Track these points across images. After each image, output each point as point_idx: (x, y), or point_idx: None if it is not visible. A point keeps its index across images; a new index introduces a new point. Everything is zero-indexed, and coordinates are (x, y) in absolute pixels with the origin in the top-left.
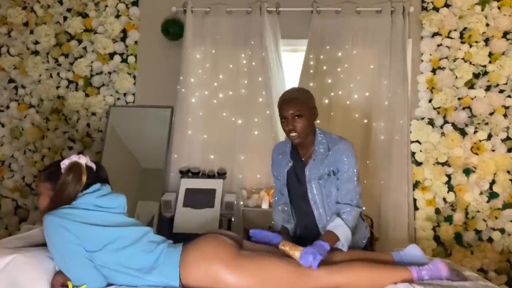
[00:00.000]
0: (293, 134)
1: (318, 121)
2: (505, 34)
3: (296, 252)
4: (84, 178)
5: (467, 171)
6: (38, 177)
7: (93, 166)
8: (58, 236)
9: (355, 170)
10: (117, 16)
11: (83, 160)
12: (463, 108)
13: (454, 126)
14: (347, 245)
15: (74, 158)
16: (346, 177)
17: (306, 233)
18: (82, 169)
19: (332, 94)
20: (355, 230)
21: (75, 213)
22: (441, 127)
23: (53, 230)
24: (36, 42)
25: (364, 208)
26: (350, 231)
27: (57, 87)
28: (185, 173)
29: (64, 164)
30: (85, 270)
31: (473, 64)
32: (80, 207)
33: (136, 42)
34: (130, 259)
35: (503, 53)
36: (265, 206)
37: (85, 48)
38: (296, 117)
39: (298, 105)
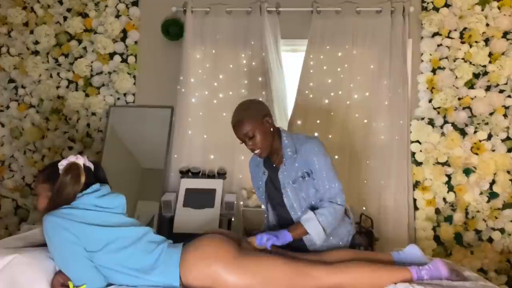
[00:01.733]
0: (256, 151)
1: (318, 121)
2: (505, 34)
3: (253, 238)
4: (83, 179)
5: (467, 171)
6: (36, 179)
7: (91, 166)
8: (58, 237)
9: (328, 167)
10: (117, 16)
11: (81, 160)
12: (463, 108)
13: (454, 126)
14: (320, 240)
15: (72, 158)
16: (321, 176)
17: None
18: (80, 170)
19: (332, 94)
20: (336, 227)
21: (75, 213)
22: (441, 127)
23: (53, 231)
24: (36, 42)
25: (364, 208)
26: (321, 226)
27: (57, 87)
28: (185, 173)
29: (62, 165)
30: (86, 270)
31: (473, 64)
32: (80, 207)
33: (136, 42)
34: (130, 259)
35: (503, 53)
36: (265, 206)
37: (85, 48)
38: (250, 138)
39: (245, 125)
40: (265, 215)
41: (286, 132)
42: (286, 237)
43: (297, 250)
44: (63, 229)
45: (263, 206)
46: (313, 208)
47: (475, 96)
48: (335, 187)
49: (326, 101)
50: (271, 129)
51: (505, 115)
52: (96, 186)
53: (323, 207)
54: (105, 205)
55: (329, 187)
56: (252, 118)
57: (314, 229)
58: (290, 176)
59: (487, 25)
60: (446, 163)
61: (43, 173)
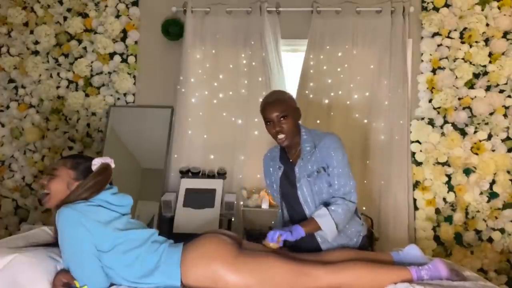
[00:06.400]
0: (280, 136)
1: (318, 121)
2: (505, 34)
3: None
4: (110, 181)
5: (467, 171)
6: (61, 161)
7: None
8: (73, 231)
9: (345, 164)
10: (117, 16)
11: (112, 164)
12: (463, 108)
13: (454, 126)
14: (332, 236)
15: (108, 160)
16: (337, 172)
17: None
18: (111, 173)
19: (332, 94)
20: (346, 225)
21: (91, 210)
22: (441, 127)
23: (68, 224)
24: (36, 42)
25: (364, 208)
26: (335, 223)
27: (57, 87)
28: (185, 173)
29: (96, 163)
30: (92, 268)
31: (473, 64)
32: (94, 203)
33: (136, 42)
34: (136, 261)
35: (503, 53)
36: (265, 206)
37: (85, 48)
38: (282, 118)
39: (282, 106)
40: (279, 211)
41: (305, 128)
42: (299, 232)
43: (304, 250)
44: (79, 224)
45: (275, 202)
46: (325, 204)
47: (475, 96)
48: (351, 184)
49: (326, 101)
50: (299, 122)
51: (505, 115)
52: (108, 185)
53: (336, 203)
54: (117, 202)
55: (344, 184)
56: (291, 102)
57: (327, 225)
58: (306, 170)
59: (487, 25)
60: (446, 163)
61: (72, 160)
